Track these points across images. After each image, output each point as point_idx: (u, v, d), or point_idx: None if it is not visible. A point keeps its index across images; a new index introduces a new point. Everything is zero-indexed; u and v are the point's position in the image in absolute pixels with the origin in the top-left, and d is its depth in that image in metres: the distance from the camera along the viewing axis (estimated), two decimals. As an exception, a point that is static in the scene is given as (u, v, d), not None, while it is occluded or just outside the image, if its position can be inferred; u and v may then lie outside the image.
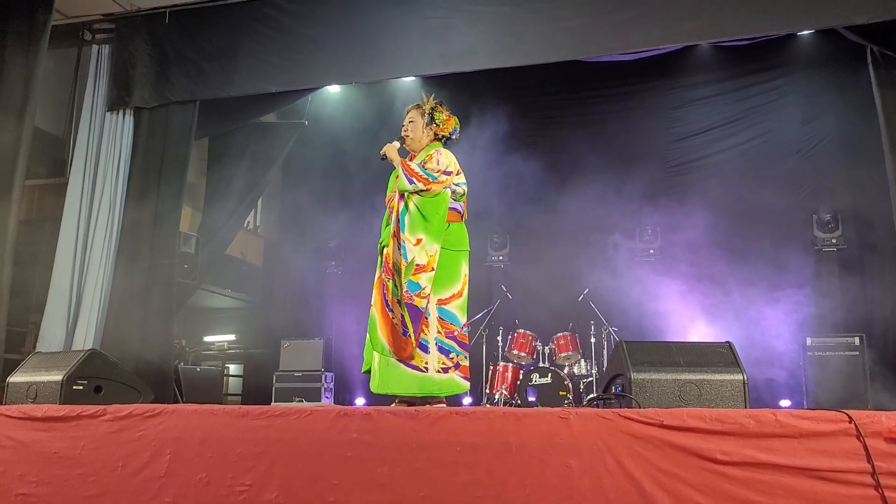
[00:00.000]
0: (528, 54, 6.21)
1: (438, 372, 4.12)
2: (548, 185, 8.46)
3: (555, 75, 8.30)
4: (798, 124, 8.05)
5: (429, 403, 4.13)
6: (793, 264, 7.50)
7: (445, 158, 4.28)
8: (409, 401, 4.17)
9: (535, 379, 7.20)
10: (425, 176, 4.18)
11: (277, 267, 9.76)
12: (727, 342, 3.51)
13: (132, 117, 7.11)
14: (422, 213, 4.18)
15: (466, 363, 4.25)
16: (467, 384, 4.24)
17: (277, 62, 6.73)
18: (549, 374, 7.21)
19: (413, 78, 7.84)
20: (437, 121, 4.41)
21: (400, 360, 4.13)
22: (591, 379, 7.41)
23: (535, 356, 7.56)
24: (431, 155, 4.30)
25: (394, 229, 4.20)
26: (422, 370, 4.10)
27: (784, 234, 7.72)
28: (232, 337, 9.69)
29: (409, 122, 4.43)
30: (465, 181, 4.40)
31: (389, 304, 4.16)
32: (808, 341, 6.90)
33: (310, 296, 9.32)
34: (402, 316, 4.11)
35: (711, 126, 8.30)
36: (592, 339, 7.53)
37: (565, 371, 7.38)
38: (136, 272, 6.65)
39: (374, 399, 8.45)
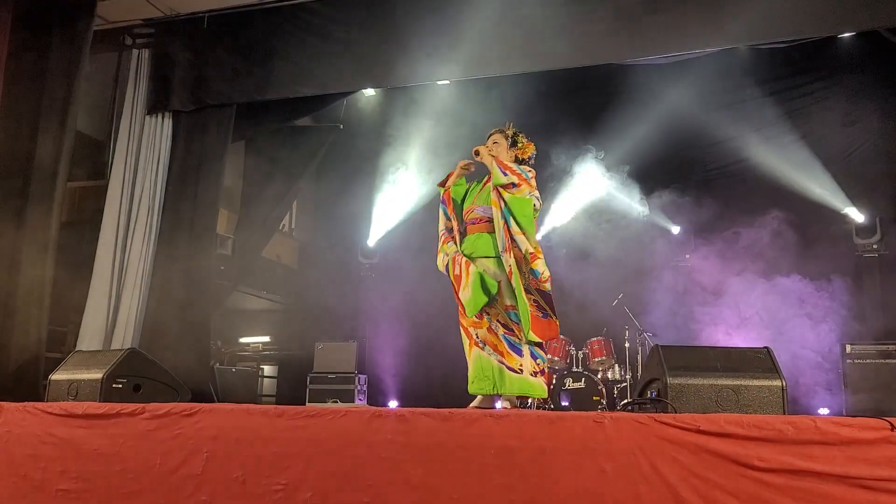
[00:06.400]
0: (563, 58, 6.18)
1: (532, 375, 4.32)
2: (581, 190, 8.44)
3: (591, 77, 8.26)
4: (839, 128, 7.91)
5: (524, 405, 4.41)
6: (832, 270, 7.38)
7: (527, 171, 4.49)
8: (488, 405, 4.37)
9: (569, 383, 7.17)
10: (518, 171, 4.41)
11: (312, 270, 9.82)
12: (766, 348, 3.47)
13: (171, 121, 7.20)
14: (513, 209, 4.37)
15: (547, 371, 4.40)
16: (546, 390, 4.48)
17: (313, 66, 6.77)
18: (583, 379, 7.18)
19: (447, 82, 7.83)
20: (519, 144, 4.65)
21: (500, 362, 4.32)
22: (624, 384, 7.36)
23: (568, 361, 7.52)
24: (501, 161, 4.50)
25: (502, 224, 4.38)
26: (517, 371, 4.29)
27: (824, 240, 7.59)
28: (267, 338, 9.75)
29: (494, 143, 4.65)
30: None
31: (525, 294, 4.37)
32: (848, 348, 6.78)
33: (344, 299, 9.37)
34: (537, 301, 4.38)
35: (749, 130, 8.18)
36: (626, 345, 7.48)
37: (599, 376, 7.35)
38: (173, 273, 6.73)
39: (408, 401, 8.48)
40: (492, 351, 4.37)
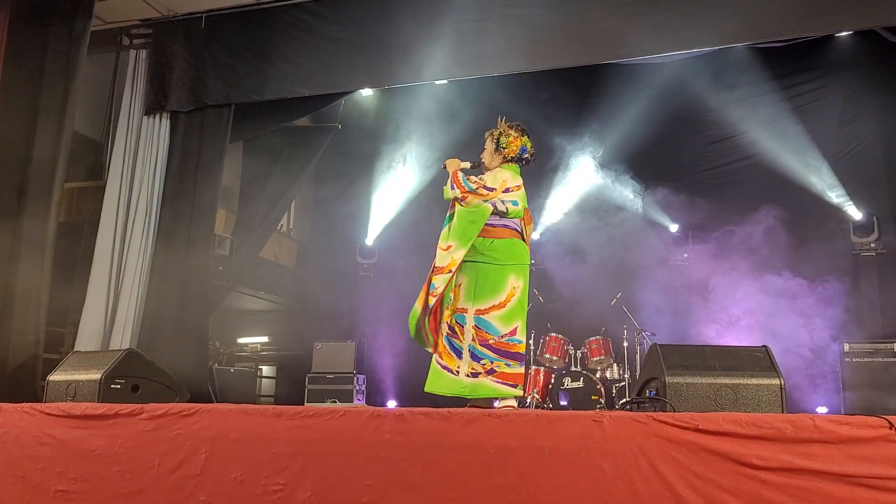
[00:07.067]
0: (561, 57, 6.18)
1: (468, 376, 4.36)
2: (579, 188, 8.45)
3: (585, 77, 8.28)
4: (836, 126, 7.93)
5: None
6: (829, 269, 7.38)
7: (493, 176, 4.52)
8: (478, 404, 4.35)
9: (567, 383, 7.17)
10: (463, 184, 4.47)
11: (310, 270, 9.82)
12: (764, 346, 3.47)
13: (168, 121, 7.19)
14: (459, 224, 4.47)
15: (509, 370, 4.37)
16: (508, 389, 4.38)
17: (311, 66, 6.76)
18: (581, 379, 7.18)
19: (445, 81, 7.82)
20: (502, 144, 4.61)
21: (437, 362, 4.47)
22: (623, 383, 7.35)
23: (567, 360, 7.52)
24: (455, 175, 4.59)
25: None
26: (453, 372, 4.39)
27: (821, 239, 7.59)
28: (265, 339, 9.75)
29: (484, 149, 4.71)
30: (515, 200, 4.51)
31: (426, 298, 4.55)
32: (846, 347, 6.80)
33: (342, 298, 9.37)
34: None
35: (747, 129, 8.19)
36: (625, 344, 7.47)
37: (597, 375, 7.34)
38: (171, 274, 6.73)
39: (407, 401, 8.49)
40: (432, 351, 4.55)
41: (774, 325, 7.23)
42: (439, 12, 6.33)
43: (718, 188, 8.27)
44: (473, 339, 4.37)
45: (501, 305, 4.39)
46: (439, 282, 4.38)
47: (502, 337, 4.37)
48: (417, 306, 4.58)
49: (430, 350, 4.57)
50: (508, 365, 4.36)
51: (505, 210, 4.48)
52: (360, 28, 6.61)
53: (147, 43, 7.35)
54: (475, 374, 4.34)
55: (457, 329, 4.41)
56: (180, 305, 6.69)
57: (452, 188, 4.50)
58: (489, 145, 4.65)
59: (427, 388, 4.51)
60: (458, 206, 4.49)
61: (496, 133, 4.64)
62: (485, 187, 4.44)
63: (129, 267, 6.81)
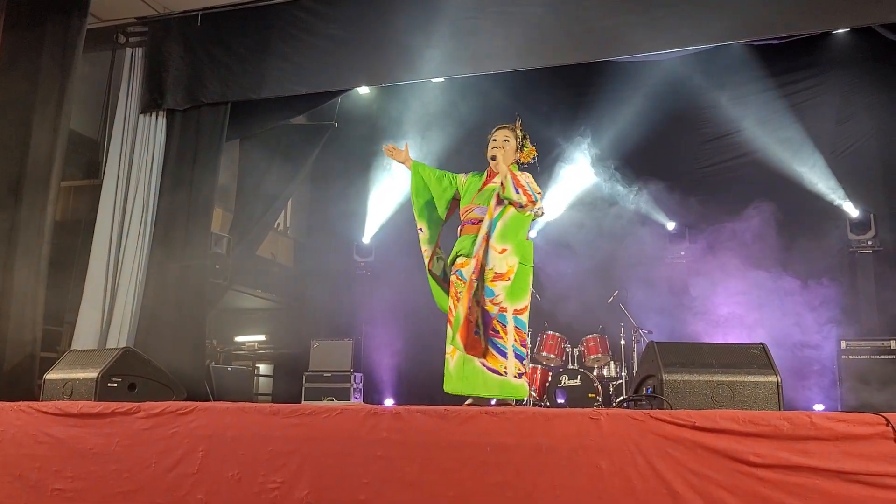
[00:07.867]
0: (558, 55, 6.18)
1: (515, 377, 4.31)
2: (575, 185, 8.45)
3: (582, 75, 8.28)
4: (833, 124, 7.93)
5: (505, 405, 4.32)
6: (826, 266, 7.39)
7: (533, 184, 4.43)
8: (481, 402, 4.31)
9: (565, 381, 7.18)
10: (530, 192, 4.34)
11: (307, 268, 9.82)
12: (761, 344, 3.47)
13: (164, 119, 7.16)
14: (512, 226, 4.36)
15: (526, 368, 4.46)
16: (527, 391, 4.49)
17: (307, 64, 6.75)
18: (579, 377, 7.19)
19: (442, 79, 7.81)
20: (525, 148, 4.57)
21: (482, 364, 4.31)
22: (620, 381, 7.36)
23: (564, 358, 7.53)
24: (516, 176, 4.39)
25: (485, 233, 4.31)
26: (501, 374, 4.29)
27: (817, 236, 7.60)
28: (262, 337, 9.74)
29: (505, 140, 4.54)
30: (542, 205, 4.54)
31: (470, 302, 4.35)
32: (843, 344, 6.80)
33: (339, 297, 9.37)
34: (478, 316, 4.32)
35: (744, 126, 8.20)
36: (622, 342, 7.48)
37: (594, 373, 7.35)
38: (168, 272, 6.71)
39: (404, 399, 8.48)
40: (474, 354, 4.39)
41: (771, 322, 7.24)
42: (436, 10, 6.31)
43: (715, 186, 8.27)
44: (515, 340, 4.34)
45: (528, 306, 4.43)
46: (499, 289, 4.27)
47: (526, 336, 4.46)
48: (461, 310, 4.35)
49: (473, 354, 4.36)
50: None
51: (541, 214, 4.53)
52: (356, 26, 6.59)
53: (143, 41, 7.33)
54: (520, 375, 4.32)
55: (499, 329, 4.34)
56: (177, 304, 6.68)
57: (517, 192, 4.30)
58: (513, 141, 4.54)
59: (462, 391, 4.38)
60: (510, 208, 4.36)
61: (520, 133, 4.58)
62: (540, 196, 4.41)
63: (126, 265, 6.80)
